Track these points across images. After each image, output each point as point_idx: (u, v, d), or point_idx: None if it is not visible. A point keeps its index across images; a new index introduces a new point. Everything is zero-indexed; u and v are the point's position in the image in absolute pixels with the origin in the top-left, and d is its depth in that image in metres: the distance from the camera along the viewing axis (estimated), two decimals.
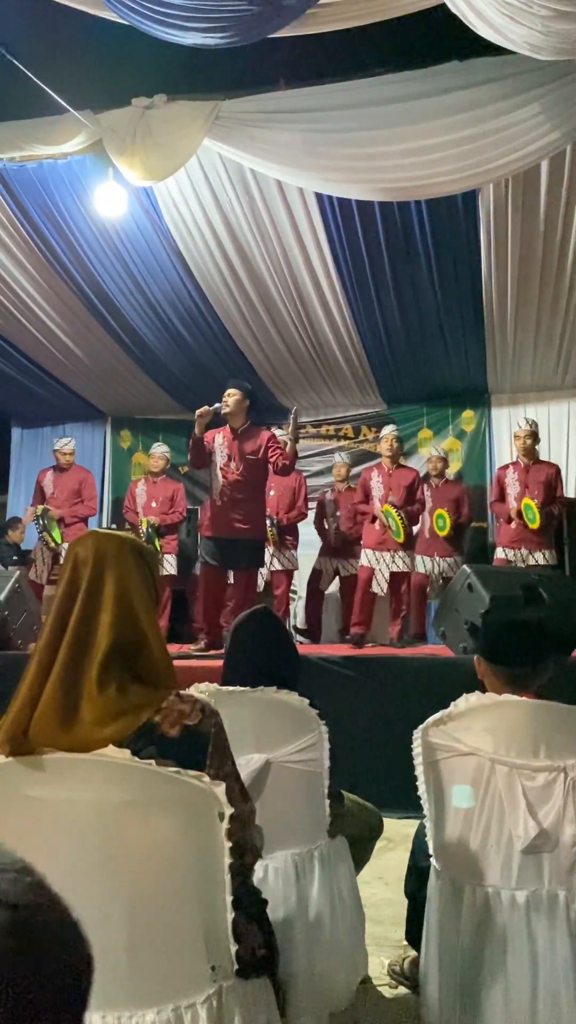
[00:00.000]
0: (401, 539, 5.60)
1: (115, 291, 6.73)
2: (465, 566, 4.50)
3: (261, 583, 6.10)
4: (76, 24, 4.41)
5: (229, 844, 1.22)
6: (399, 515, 5.58)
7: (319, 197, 5.63)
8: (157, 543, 6.31)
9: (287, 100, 4.98)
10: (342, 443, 8.33)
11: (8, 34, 4.47)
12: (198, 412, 4.91)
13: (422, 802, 1.78)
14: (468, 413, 8.00)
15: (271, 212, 5.86)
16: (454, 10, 3.72)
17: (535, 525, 5.69)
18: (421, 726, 1.77)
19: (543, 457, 7.68)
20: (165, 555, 6.47)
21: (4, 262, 6.46)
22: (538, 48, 3.72)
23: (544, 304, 6.42)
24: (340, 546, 6.64)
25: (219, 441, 5.03)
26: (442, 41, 4.44)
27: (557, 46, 3.66)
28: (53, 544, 6.16)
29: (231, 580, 5.30)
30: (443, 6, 3.75)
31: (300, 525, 6.58)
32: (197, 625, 5.74)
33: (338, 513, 6.67)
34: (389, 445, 5.98)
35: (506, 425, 7.80)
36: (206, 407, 4.92)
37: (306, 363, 7.55)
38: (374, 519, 5.76)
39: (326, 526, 6.76)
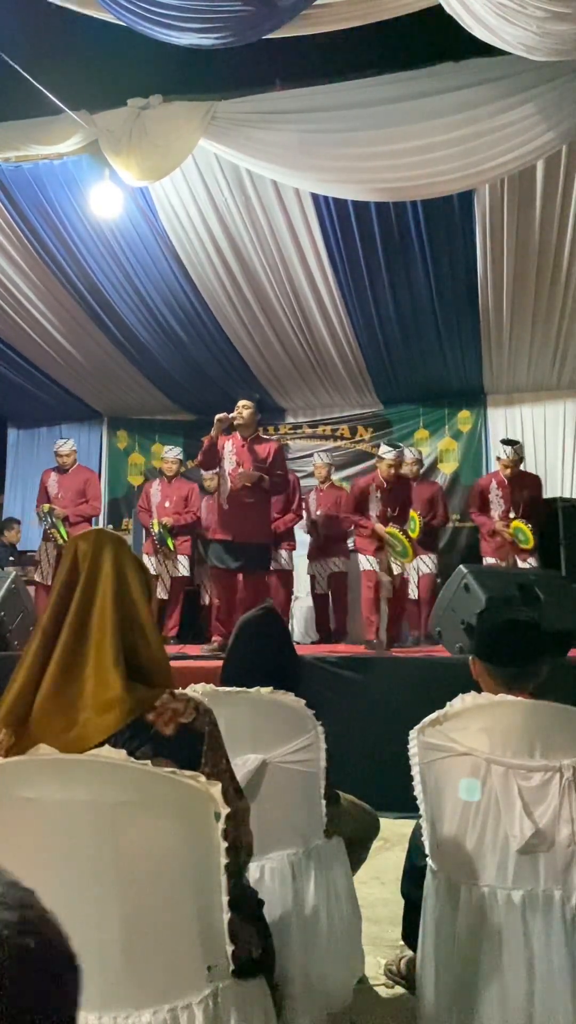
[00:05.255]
0: (409, 559, 5.52)
1: (111, 291, 6.73)
2: (462, 566, 4.50)
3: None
4: (72, 25, 4.41)
5: (225, 844, 1.22)
6: (403, 534, 5.44)
7: (315, 197, 5.64)
8: (171, 543, 6.27)
9: (283, 101, 4.99)
10: (339, 443, 8.33)
11: (3, 34, 4.46)
12: (217, 417, 5.07)
13: (418, 802, 1.78)
14: (464, 413, 8.01)
15: (267, 212, 5.86)
16: (449, 11, 3.73)
17: (529, 545, 5.67)
18: (417, 726, 1.77)
19: (539, 456, 7.73)
20: (179, 556, 6.43)
21: (0, 263, 6.45)
22: (533, 49, 3.73)
23: (540, 305, 6.44)
24: (325, 545, 6.64)
25: (229, 448, 5.16)
26: (437, 42, 4.45)
27: (551, 47, 3.67)
28: (61, 542, 6.14)
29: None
30: (438, 7, 3.75)
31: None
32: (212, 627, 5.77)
33: (319, 512, 6.70)
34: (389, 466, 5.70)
35: (502, 425, 7.83)
36: (225, 414, 5.08)
37: (302, 363, 7.55)
38: (372, 533, 5.62)
39: (310, 526, 6.76)
